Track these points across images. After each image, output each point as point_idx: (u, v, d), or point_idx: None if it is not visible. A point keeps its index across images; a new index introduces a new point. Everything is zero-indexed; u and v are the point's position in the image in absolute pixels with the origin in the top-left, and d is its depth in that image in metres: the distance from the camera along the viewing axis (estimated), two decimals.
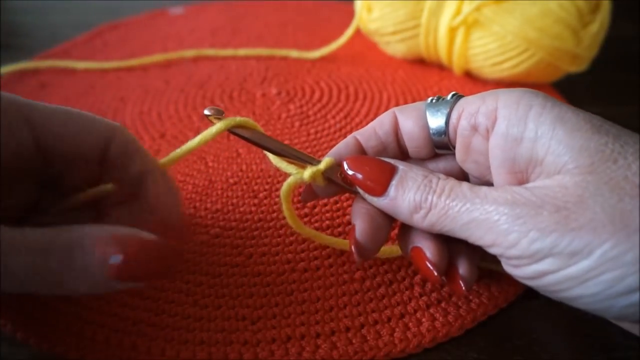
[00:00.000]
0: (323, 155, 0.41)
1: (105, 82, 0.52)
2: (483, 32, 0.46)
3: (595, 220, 0.21)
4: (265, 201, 0.36)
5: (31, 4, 0.71)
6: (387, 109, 0.47)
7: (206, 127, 0.44)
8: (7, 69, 0.52)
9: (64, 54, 0.57)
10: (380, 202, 0.26)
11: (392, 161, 0.27)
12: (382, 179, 0.26)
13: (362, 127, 0.44)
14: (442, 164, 0.29)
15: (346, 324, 0.28)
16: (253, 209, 0.36)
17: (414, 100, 0.48)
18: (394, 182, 0.26)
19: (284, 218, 0.35)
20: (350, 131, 0.44)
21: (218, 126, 0.29)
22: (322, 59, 0.55)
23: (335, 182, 0.28)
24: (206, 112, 0.29)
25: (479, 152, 0.26)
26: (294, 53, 0.55)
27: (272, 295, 0.30)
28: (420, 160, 0.30)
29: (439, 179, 0.25)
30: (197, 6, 0.68)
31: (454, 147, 0.28)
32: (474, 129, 0.26)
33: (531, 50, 0.44)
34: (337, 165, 0.28)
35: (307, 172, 0.27)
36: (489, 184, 0.27)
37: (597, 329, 0.28)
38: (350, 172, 0.27)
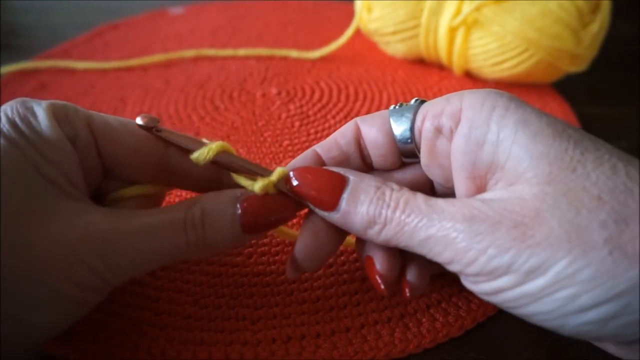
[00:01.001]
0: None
1: (105, 82, 0.52)
2: (483, 32, 0.46)
3: (552, 237, 0.20)
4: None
5: (31, 4, 0.71)
6: (387, 108, 0.47)
7: (206, 127, 0.45)
8: (7, 69, 0.52)
9: (64, 54, 0.57)
10: (332, 216, 0.25)
11: (342, 171, 0.26)
12: (333, 192, 0.25)
13: None
14: (408, 173, 0.29)
15: (346, 324, 0.28)
16: None
17: None
18: (345, 195, 0.24)
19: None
20: None
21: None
22: (322, 59, 0.55)
23: (288, 196, 0.26)
24: (139, 121, 0.26)
25: (444, 155, 0.26)
26: (294, 53, 0.55)
27: (272, 295, 0.30)
28: (386, 172, 0.29)
29: (392, 190, 0.24)
30: (197, 6, 0.68)
31: (419, 152, 0.27)
32: (438, 131, 0.25)
33: (531, 50, 0.44)
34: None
35: (258, 184, 0.26)
36: (453, 191, 0.26)
37: None
38: (297, 184, 0.26)
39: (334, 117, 0.46)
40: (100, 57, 0.56)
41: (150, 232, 0.24)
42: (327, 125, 0.45)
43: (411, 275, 0.26)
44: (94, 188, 0.27)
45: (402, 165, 0.28)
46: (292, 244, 0.30)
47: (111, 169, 0.27)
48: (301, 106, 0.47)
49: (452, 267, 0.23)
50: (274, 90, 0.50)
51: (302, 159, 0.28)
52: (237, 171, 0.27)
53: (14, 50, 0.59)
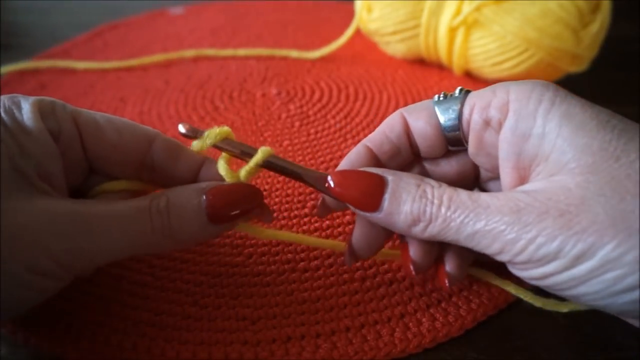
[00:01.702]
0: (323, 155, 0.41)
1: (105, 82, 0.52)
2: (483, 32, 0.46)
3: (597, 223, 0.21)
4: (265, 201, 0.36)
5: (31, 4, 0.71)
6: (387, 109, 0.47)
7: (206, 127, 0.45)
8: (7, 69, 0.52)
9: (64, 54, 0.57)
10: (375, 217, 0.25)
11: (379, 171, 0.26)
12: (373, 194, 0.25)
13: (362, 127, 0.44)
14: (454, 160, 0.29)
15: (346, 324, 0.28)
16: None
17: (414, 101, 0.48)
18: (386, 196, 0.25)
19: (284, 218, 0.35)
20: (350, 131, 0.44)
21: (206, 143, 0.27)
22: (322, 59, 0.55)
23: (254, 187, 0.27)
24: (181, 129, 0.28)
25: (491, 145, 0.26)
26: (294, 53, 0.55)
27: (272, 295, 0.30)
28: (432, 160, 0.29)
29: (432, 187, 0.25)
30: (197, 6, 0.68)
31: (467, 142, 0.27)
32: (487, 123, 0.26)
33: (531, 50, 0.44)
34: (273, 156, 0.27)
35: (243, 172, 0.27)
36: (499, 177, 0.27)
37: (597, 329, 0.28)
38: (336, 188, 0.26)
39: (334, 117, 0.46)
40: (100, 57, 0.56)
41: (113, 216, 0.24)
42: (327, 125, 0.45)
43: (450, 266, 0.27)
44: (79, 182, 0.28)
45: (448, 153, 0.29)
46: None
47: (95, 164, 0.28)
48: (301, 106, 0.47)
49: (501, 257, 0.23)
50: (274, 90, 0.50)
51: (356, 155, 0.28)
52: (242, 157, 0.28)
53: (14, 50, 0.59)
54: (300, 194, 0.37)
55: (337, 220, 0.35)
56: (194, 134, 0.27)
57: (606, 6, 0.45)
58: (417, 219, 0.24)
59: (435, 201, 0.24)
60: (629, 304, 0.21)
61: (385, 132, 0.28)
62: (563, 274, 0.22)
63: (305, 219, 0.35)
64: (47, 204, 0.24)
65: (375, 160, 0.28)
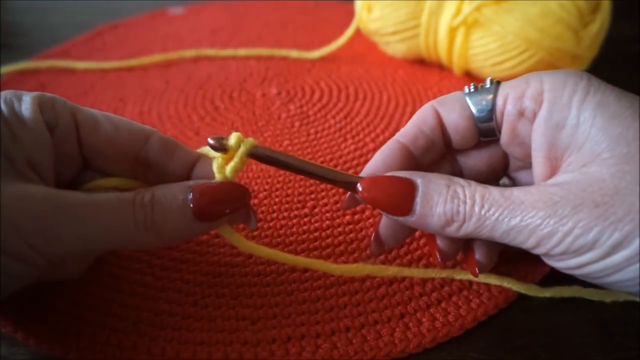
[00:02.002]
0: (323, 155, 0.41)
1: (105, 82, 0.52)
2: (483, 32, 0.46)
3: (633, 212, 0.21)
4: (265, 201, 0.36)
5: (31, 4, 0.71)
6: (387, 109, 0.47)
7: (206, 127, 0.45)
8: (7, 69, 0.52)
9: (64, 54, 0.57)
10: (407, 220, 0.26)
11: (407, 174, 0.26)
12: (404, 198, 0.25)
13: (362, 127, 0.44)
14: (484, 151, 0.29)
15: (346, 324, 0.28)
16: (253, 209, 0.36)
17: (414, 101, 0.48)
18: (418, 200, 0.25)
19: (284, 218, 0.35)
20: (350, 131, 0.44)
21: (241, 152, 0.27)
22: (322, 59, 0.55)
23: (241, 185, 0.27)
24: (210, 141, 0.27)
25: (525, 135, 0.27)
26: (294, 53, 0.55)
27: (272, 295, 0.30)
28: (463, 151, 0.30)
29: (463, 186, 0.25)
30: (197, 6, 0.68)
31: (500, 132, 0.28)
32: (521, 113, 0.26)
33: (531, 50, 0.44)
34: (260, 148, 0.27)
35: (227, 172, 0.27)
36: (530, 166, 0.27)
37: (598, 329, 0.28)
38: (367, 195, 0.26)
39: (334, 117, 0.46)
40: (100, 57, 0.56)
41: (94, 204, 0.24)
42: (327, 125, 0.45)
43: (479, 254, 0.27)
44: (72, 176, 0.28)
45: (479, 143, 0.29)
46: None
47: (91, 159, 0.28)
48: (301, 106, 0.47)
49: (537, 251, 0.24)
50: (274, 90, 0.50)
51: (388, 152, 0.28)
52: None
53: (14, 50, 0.59)
54: (300, 194, 0.37)
55: (337, 221, 0.35)
56: (220, 145, 0.27)
57: (606, 6, 0.45)
58: (451, 220, 0.24)
59: (468, 201, 0.24)
60: None
61: (419, 125, 0.28)
62: (599, 263, 0.22)
63: (305, 219, 0.35)
64: (23, 187, 0.24)
65: (409, 155, 0.28)
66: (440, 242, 0.27)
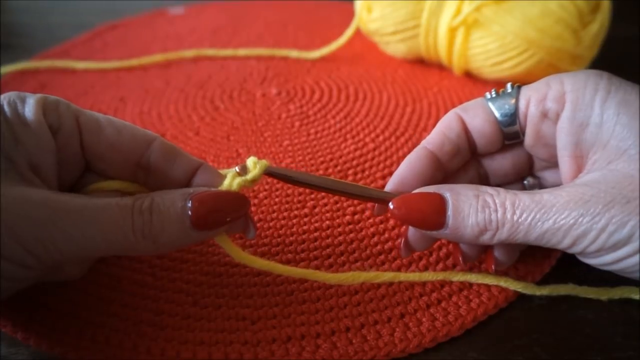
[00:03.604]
0: (323, 155, 0.41)
1: (105, 82, 0.52)
2: (483, 32, 0.46)
3: None
4: (265, 201, 0.36)
5: (31, 4, 0.71)
6: (387, 109, 0.47)
7: (206, 127, 0.45)
8: (7, 69, 0.52)
9: (64, 54, 0.57)
10: (441, 234, 0.26)
11: (434, 188, 0.26)
12: (436, 214, 0.25)
13: (362, 127, 0.44)
14: (509, 154, 0.30)
15: (346, 324, 0.28)
16: (253, 209, 0.36)
17: (414, 101, 0.48)
18: (449, 213, 0.25)
19: (284, 218, 0.35)
20: (350, 131, 0.44)
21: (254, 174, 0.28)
22: (322, 59, 0.55)
23: (241, 195, 0.27)
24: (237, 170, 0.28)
25: (549, 136, 0.27)
26: (294, 53, 0.55)
27: (272, 295, 0.30)
28: (488, 156, 0.30)
29: (492, 195, 0.25)
30: (197, 6, 0.68)
31: (523, 135, 0.28)
32: (544, 114, 0.27)
33: (531, 50, 0.44)
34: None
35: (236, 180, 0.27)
36: (555, 165, 0.28)
37: (597, 329, 0.28)
38: (399, 214, 0.26)
39: (334, 117, 0.46)
40: (100, 57, 0.56)
41: (92, 209, 0.24)
42: (327, 125, 0.45)
43: (499, 252, 0.28)
44: (74, 179, 0.28)
45: (504, 147, 0.30)
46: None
47: (93, 163, 0.28)
48: (301, 106, 0.47)
49: (573, 250, 0.24)
50: (274, 90, 0.50)
51: (415, 158, 0.29)
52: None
53: (14, 50, 0.59)
54: (300, 194, 0.37)
55: (337, 221, 0.35)
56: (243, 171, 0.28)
57: (606, 6, 0.45)
58: (484, 229, 0.25)
59: (499, 209, 0.25)
60: None
61: (444, 132, 0.29)
62: (636, 256, 0.23)
63: (305, 219, 0.35)
64: (23, 190, 0.24)
65: (436, 161, 0.29)
66: (464, 245, 0.28)
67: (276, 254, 0.32)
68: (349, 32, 0.54)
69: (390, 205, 0.27)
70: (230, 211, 0.26)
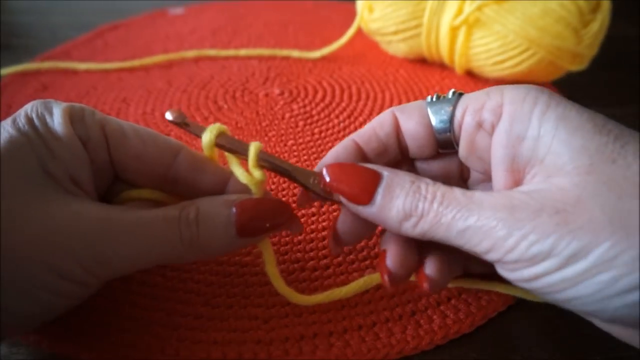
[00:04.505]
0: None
1: (107, 83, 0.52)
2: (484, 31, 0.46)
3: (593, 221, 0.20)
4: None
5: (32, 4, 0.71)
6: (389, 108, 0.47)
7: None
8: (8, 70, 0.52)
9: (65, 55, 0.56)
10: (366, 210, 0.25)
11: (375, 167, 0.26)
12: (367, 187, 0.25)
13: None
14: (442, 162, 0.29)
15: (358, 322, 0.28)
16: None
17: (416, 99, 0.48)
18: (380, 190, 0.25)
19: None
20: (355, 130, 0.44)
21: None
22: (324, 58, 0.55)
23: (283, 201, 0.28)
24: (168, 116, 0.27)
25: (484, 148, 0.26)
26: (295, 53, 0.55)
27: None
28: (421, 160, 0.29)
29: (427, 184, 0.24)
30: (197, 6, 0.68)
31: (458, 145, 0.27)
32: (479, 125, 0.26)
33: (532, 49, 0.45)
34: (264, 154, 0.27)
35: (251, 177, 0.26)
36: (490, 179, 0.27)
37: (597, 329, 0.28)
38: (330, 180, 0.26)
39: (337, 117, 0.46)
40: (101, 57, 0.56)
41: (142, 225, 0.24)
42: (330, 124, 0.45)
43: (430, 269, 0.26)
44: (105, 188, 0.28)
45: (437, 155, 0.29)
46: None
47: (121, 173, 0.28)
48: (304, 106, 0.48)
49: (490, 256, 0.23)
50: (276, 90, 0.50)
51: (342, 149, 0.28)
52: (235, 153, 0.27)
53: (14, 50, 0.58)
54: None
55: None
56: (181, 121, 0.27)
57: (606, 5, 0.45)
58: (409, 214, 0.24)
59: (429, 196, 0.24)
60: (623, 309, 0.21)
61: (374, 129, 0.28)
62: (555, 275, 0.21)
63: (313, 218, 0.35)
64: (76, 208, 0.24)
65: (362, 155, 0.28)
66: (389, 260, 0.26)
67: (285, 253, 0.33)
68: (350, 32, 0.54)
69: (324, 172, 0.26)
70: (273, 217, 0.26)
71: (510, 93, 0.25)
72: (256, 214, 0.26)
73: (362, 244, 0.33)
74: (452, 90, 0.28)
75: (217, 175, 0.28)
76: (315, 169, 0.28)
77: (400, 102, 0.48)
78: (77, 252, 0.23)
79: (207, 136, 0.27)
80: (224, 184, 0.28)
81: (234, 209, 0.25)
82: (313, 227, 0.34)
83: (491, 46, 0.47)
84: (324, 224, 0.35)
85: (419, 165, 0.30)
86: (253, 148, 0.26)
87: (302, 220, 0.35)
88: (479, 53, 0.47)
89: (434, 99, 0.28)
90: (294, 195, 0.37)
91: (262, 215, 0.26)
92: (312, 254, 0.33)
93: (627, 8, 0.61)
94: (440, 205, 0.23)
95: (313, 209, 0.36)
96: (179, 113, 0.27)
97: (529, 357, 0.27)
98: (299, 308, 0.29)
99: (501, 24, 0.45)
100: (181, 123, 0.27)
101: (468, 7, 0.46)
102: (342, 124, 0.45)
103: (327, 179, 0.26)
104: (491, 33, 0.46)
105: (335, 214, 0.35)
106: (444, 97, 0.27)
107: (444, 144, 0.28)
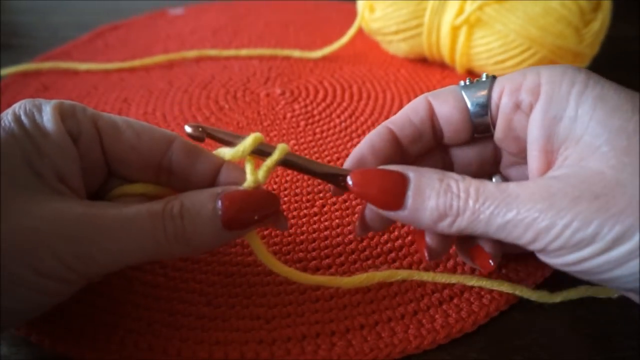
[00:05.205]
0: (330, 154, 0.41)
1: (108, 83, 0.52)
2: (486, 30, 0.46)
3: (634, 204, 0.21)
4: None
5: (32, 4, 0.71)
6: (391, 107, 0.47)
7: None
8: (9, 70, 0.52)
9: (65, 55, 0.56)
10: (398, 215, 0.25)
11: (399, 168, 0.25)
12: (396, 192, 0.24)
13: (368, 126, 0.45)
14: (476, 148, 0.29)
15: (360, 322, 0.28)
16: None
17: None
18: (410, 193, 0.24)
19: (293, 217, 0.35)
20: (356, 130, 0.44)
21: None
22: (325, 58, 0.55)
23: (271, 192, 0.27)
24: (187, 130, 0.27)
25: (520, 128, 0.26)
26: (296, 53, 0.55)
27: (285, 294, 0.30)
28: (455, 146, 0.29)
29: (457, 180, 0.24)
30: (197, 6, 0.68)
31: (494, 127, 0.27)
32: (517, 106, 0.26)
33: (533, 48, 0.45)
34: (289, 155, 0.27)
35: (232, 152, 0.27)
36: (523, 161, 0.27)
37: (597, 329, 0.28)
38: (356, 188, 0.25)
39: (339, 117, 0.46)
40: (101, 57, 0.56)
41: (126, 220, 0.24)
42: (332, 124, 0.45)
43: (488, 246, 0.27)
44: (98, 184, 0.28)
45: (471, 140, 0.29)
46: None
47: (115, 167, 0.28)
48: (306, 106, 0.48)
49: (534, 246, 0.23)
50: (277, 90, 0.50)
51: (376, 136, 0.28)
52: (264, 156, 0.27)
53: (14, 50, 0.58)
54: (309, 193, 0.37)
55: (347, 219, 0.35)
56: (200, 135, 0.27)
57: (607, 5, 0.45)
58: (444, 214, 0.24)
59: (462, 194, 0.23)
60: None
61: (408, 115, 0.28)
62: (599, 258, 0.21)
63: (315, 218, 0.35)
64: (58, 206, 0.23)
65: (396, 143, 0.28)
66: (429, 238, 0.26)
67: (287, 253, 0.33)
68: (351, 32, 0.54)
69: (349, 179, 0.25)
70: (261, 209, 0.26)
71: (547, 73, 0.25)
72: (245, 206, 0.26)
73: (364, 243, 0.33)
74: (485, 73, 0.28)
75: (210, 165, 0.28)
76: (348, 159, 0.28)
77: (401, 102, 0.48)
78: (57, 250, 0.22)
79: (244, 147, 0.27)
80: (216, 173, 0.28)
81: (219, 202, 0.25)
82: (315, 226, 0.34)
83: (492, 46, 0.46)
84: (325, 223, 0.35)
85: (453, 151, 0.29)
86: (279, 151, 0.26)
87: (304, 220, 0.35)
88: (480, 52, 0.47)
89: (467, 83, 0.28)
90: (295, 195, 0.37)
91: (250, 207, 0.26)
92: (314, 253, 0.33)
93: (627, 8, 0.61)
94: (476, 202, 0.23)
95: (315, 209, 0.36)
96: (198, 127, 0.27)
97: (529, 357, 0.27)
98: (302, 308, 0.29)
99: (502, 24, 0.45)
100: (201, 137, 0.27)
101: (469, 7, 0.46)
102: (343, 124, 0.45)
103: (353, 188, 0.26)
104: (492, 32, 0.46)
105: (337, 213, 0.35)
106: (477, 80, 0.28)
107: (480, 127, 0.28)
